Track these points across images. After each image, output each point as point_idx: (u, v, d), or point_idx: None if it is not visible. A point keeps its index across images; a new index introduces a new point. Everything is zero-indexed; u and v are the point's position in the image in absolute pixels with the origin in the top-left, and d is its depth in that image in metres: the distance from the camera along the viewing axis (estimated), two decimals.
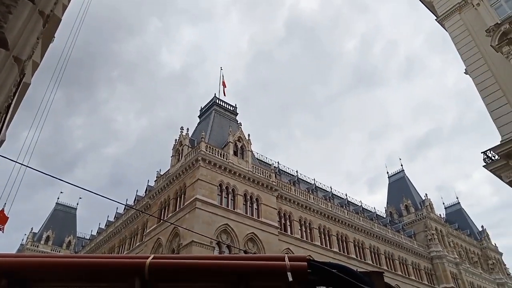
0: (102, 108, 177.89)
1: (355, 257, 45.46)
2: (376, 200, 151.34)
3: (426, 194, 65.68)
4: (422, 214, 61.39)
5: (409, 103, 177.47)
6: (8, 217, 15.38)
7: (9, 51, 1.48)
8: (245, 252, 33.27)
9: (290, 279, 2.65)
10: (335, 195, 54.61)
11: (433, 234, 58.36)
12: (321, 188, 53.62)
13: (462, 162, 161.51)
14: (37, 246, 62.23)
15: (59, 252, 63.06)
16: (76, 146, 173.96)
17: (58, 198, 72.30)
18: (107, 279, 2.82)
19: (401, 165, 74.83)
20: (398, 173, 73.79)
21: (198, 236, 28.73)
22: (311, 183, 52.57)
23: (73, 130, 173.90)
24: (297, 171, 52.49)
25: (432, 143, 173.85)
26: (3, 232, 15.47)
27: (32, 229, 65.03)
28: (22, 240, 65.57)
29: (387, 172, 75.73)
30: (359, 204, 57.71)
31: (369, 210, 59.63)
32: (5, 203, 14.29)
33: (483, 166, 17.10)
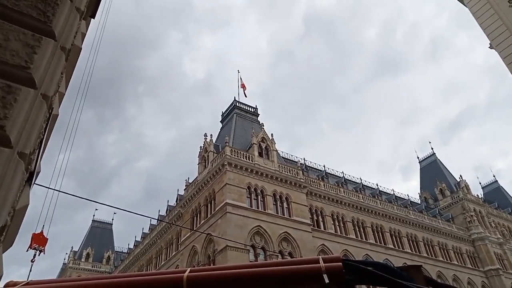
0: (131, 124, 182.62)
1: (393, 247, 44.59)
2: (410, 187, 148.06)
3: (460, 176, 63.74)
4: (458, 196, 59.59)
5: (438, 85, 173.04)
6: (47, 238, 16.04)
7: (37, 90, 1.56)
8: (280, 252, 33.24)
9: (327, 281, 2.64)
10: (366, 185, 53.78)
11: (472, 215, 56.53)
12: (350, 181, 52.94)
13: (499, 139, 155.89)
14: (79, 264, 64.36)
15: (99, 268, 65.00)
16: (110, 163, 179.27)
17: (94, 215, 74.64)
18: None
19: (432, 149, 72.96)
20: (429, 157, 71.94)
21: (232, 241, 28.93)
22: (340, 176, 52.00)
23: (106, 148, 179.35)
24: (324, 166, 52.07)
25: (466, 123, 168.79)
26: (44, 253, 16.14)
27: (72, 247, 67.37)
28: (64, 259, 68.00)
29: (418, 157, 74.03)
30: (392, 193, 56.61)
31: (403, 198, 58.35)
32: (43, 226, 14.89)
33: None
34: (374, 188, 54.51)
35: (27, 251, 15.77)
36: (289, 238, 34.80)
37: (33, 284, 2.74)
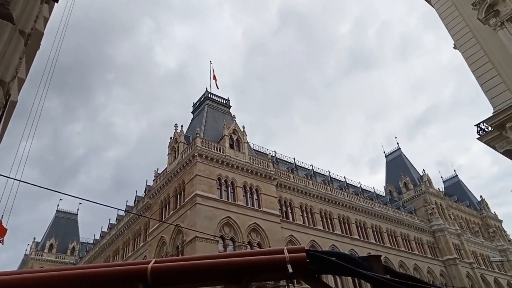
0: (100, 113, 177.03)
1: (358, 238, 45.98)
2: (377, 180, 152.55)
3: (423, 170, 66.33)
4: (421, 189, 62.04)
5: (406, 83, 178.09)
6: (6, 229, 15.43)
7: None
8: (249, 243, 33.53)
9: (290, 270, 2.71)
10: (334, 178, 54.99)
11: (433, 208, 59.08)
12: (319, 173, 53.95)
13: (461, 136, 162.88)
14: (41, 255, 62.30)
15: (63, 259, 63.21)
16: (77, 152, 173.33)
17: (58, 206, 72.26)
18: (110, 287, 2.85)
19: (397, 144, 75.60)
20: (394, 151, 74.36)
21: (200, 232, 28.88)
22: (309, 169, 52.87)
23: (72, 136, 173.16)
24: (294, 159, 52.73)
25: (431, 120, 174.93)
26: (2, 244, 15.53)
27: (34, 238, 65.07)
28: (26, 250, 65.64)
29: (384, 152, 76.33)
30: (359, 186, 58.22)
31: (369, 191, 60.18)
32: (2, 216, 14.32)
33: (477, 138, 17.28)
34: (342, 181, 55.85)
35: None
36: (258, 229, 35.15)
37: None
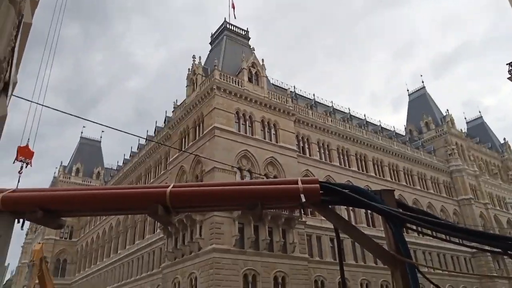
0: (120, 42, 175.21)
1: (374, 175, 46.59)
2: (399, 119, 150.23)
3: (447, 110, 64.56)
4: (442, 130, 61.01)
5: (436, 18, 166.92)
6: (33, 152, 16.34)
7: None
8: (266, 175, 34.48)
9: (303, 200, 2.80)
10: (354, 116, 54.39)
11: (453, 149, 58.49)
12: (339, 110, 53.32)
13: (490, 76, 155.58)
14: (69, 178, 66.01)
15: (90, 182, 66.97)
16: (98, 82, 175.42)
17: (82, 133, 74.83)
18: (133, 207, 3.03)
19: (422, 82, 72.84)
20: (418, 90, 72.04)
21: (220, 163, 29.73)
22: (329, 106, 52.21)
23: (93, 66, 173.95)
24: (314, 95, 51.92)
25: (460, 59, 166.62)
26: (31, 165, 16.56)
27: (61, 162, 68.49)
28: (54, 173, 69.54)
29: (407, 90, 74.08)
30: (378, 124, 57.60)
31: (388, 129, 59.63)
32: (28, 139, 15.10)
33: (508, 78, 16.48)
34: (361, 119, 55.25)
35: (13, 163, 16.09)
36: (275, 163, 35.90)
37: (19, 192, 2.83)
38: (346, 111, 54.24)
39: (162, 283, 35.04)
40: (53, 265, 61.26)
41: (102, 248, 55.08)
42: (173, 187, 2.86)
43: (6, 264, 3.03)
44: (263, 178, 33.67)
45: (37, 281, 22.12)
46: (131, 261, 45.17)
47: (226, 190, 2.92)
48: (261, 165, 34.69)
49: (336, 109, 52.71)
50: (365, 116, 56.16)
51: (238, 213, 29.98)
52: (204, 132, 34.66)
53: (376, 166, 48.07)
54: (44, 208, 2.73)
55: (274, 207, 3.24)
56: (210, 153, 32.39)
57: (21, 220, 2.87)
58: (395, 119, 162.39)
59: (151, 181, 46.37)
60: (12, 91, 1.99)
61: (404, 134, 63.64)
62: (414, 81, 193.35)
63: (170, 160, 40.66)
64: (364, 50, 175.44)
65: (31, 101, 7.57)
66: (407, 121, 68.76)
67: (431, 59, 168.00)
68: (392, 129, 60.41)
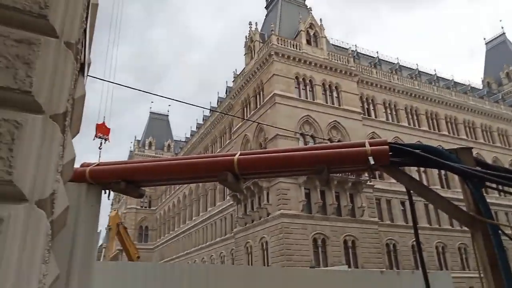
0: (179, 16, 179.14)
1: (447, 134, 43.70)
2: (476, 72, 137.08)
3: None
4: None
5: None
6: (109, 128, 17.82)
7: None
8: (330, 140, 33.97)
9: (372, 162, 2.72)
10: (422, 72, 50.66)
11: None
12: (405, 67, 49.96)
13: None
14: (143, 151, 70.99)
15: (161, 155, 71.34)
16: (162, 57, 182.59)
17: (150, 108, 79.12)
18: (204, 175, 3.19)
19: (502, 28, 65.18)
20: (497, 37, 64.75)
21: (282, 129, 29.82)
22: (394, 63, 49.11)
23: (157, 42, 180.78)
24: (377, 52, 49.06)
25: None
26: (109, 141, 18.10)
27: (135, 137, 73.64)
28: (130, 147, 75.02)
29: (484, 38, 66.97)
30: (451, 79, 53.18)
31: (462, 84, 54.83)
32: (104, 117, 16.39)
33: None
34: (431, 74, 51.32)
35: (93, 139, 17.64)
36: (339, 127, 35.11)
37: (103, 165, 3.11)
38: (414, 67, 50.66)
39: (236, 247, 36.91)
40: (136, 232, 67.46)
41: (178, 215, 59.09)
42: (240, 154, 2.94)
43: (98, 231, 3.38)
44: (326, 143, 33.22)
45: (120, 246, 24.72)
46: (205, 227, 48.00)
47: (293, 155, 2.94)
48: (324, 130, 34.15)
49: (403, 66, 49.43)
50: (435, 71, 52.08)
51: (303, 179, 30.14)
52: (265, 100, 34.73)
53: (449, 124, 44.93)
54: (126, 179, 2.98)
55: (341, 170, 3.20)
56: (272, 120, 32.52)
57: (107, 191, 3.17)
58: (471, 72, 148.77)
59: (218, 150, 48.07)
60: (88, 71, 2.13)
61: (481, 88, 58.20)
62: (493, 28, 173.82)
63: (234, 129, 41.63)
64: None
65: (104, 80, 8.13)
66: (485, 73, 62.60)
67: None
68: (467, 83, 55.46)
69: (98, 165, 3.09)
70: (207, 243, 46.55)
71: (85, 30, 1.78)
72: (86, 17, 1.72)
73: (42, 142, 1.30)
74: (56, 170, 1.43)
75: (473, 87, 55.82)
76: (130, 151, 74.27)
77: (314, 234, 30.26)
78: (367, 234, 32.10)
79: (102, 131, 18.34)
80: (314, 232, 30.25)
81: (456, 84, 52.86)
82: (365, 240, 31.78)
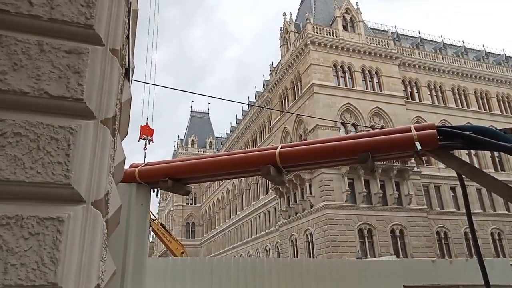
0: (214, 14, 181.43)
1: (500, 113, 41.06)
2: None
3: None
4: None
5: None
6: (153, 129, 18.45)
7: None
8: (372, 127, 33.07)
9: (419, 147, 2.62)
10: (469, 48, 47.79)
11: None
12: (451, 45, 47.34)
13: None
14: (187, 150, 72.93)
15: (204, 152, 72.92)
16: (201, 56, 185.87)
17: (191, 107, 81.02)
18: (247, 169, 3.23)
19: None
20: None
21: (321, 119, 29.41)
22: (438, 42, 46.68)
23: (195, 42, 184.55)
24: (419, 32, 46.81)
25: None
26: (153, 142, 18.75)
27: (178, 136, 75.84)
28: (174, 146, 77.41)
29: None
30: (502, 53, 49.71)
31: None
32: (147, 118, 16.99)
33: None
34: (479, 51, 48.30)
35: (138, 141, 18.34)
36: (381, 113, 34.08)
37: (150, 165, 3.24)
38: (460, 44, 47.90)
39: (280, 240, 37.09)
40: (183, 228, 69.67)
41: (222, 210, 60.26)
42: (281, 147, 2.95)
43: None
44: (369, 131, 32.36)
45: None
46: (250, 221, 48.59)
47: (335, 145, 2.90)
48: (366, 117, 33.28)
49: (447, 44, 46.89)
50: (483, 46, 48.94)
51: (346, 169, 29.62)
52: (303, 91, 34.38)
53: (501, 102, 42.20)
54: (172, 178, 3.09)
55: (387, 158, 3.12)
56: (311, 111, 32.16)
57: (155, 190, 3.30)
58: None
59: (258, 145, 48.36)
60: (132, 75, 2.22)
61: None
62: None
63: (273, 123, 41.64)
64: None
65: (145, 82, 8.40)
66: None
67: None
68: None
69: (146, 165, 3.23)
70: (252, 237, 47.13)
71: (127, 36, 1.85)
72: (128, 23, 1.79)
73: (95, 146, 1.38)
74: (109, 171, 1.51)
75: None
76: (174, 150, 76.61)
77: (360, 225, 29.71)
78: (415, 222, 31.04)
79: (146, 132, 19.05)
80: (359, 222, 29.71)
81: (508, 58, 49.35)
82: (413, 229, 30.76)
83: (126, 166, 3.27)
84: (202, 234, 69.33)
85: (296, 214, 33.90)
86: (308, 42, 33.77)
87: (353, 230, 29.39)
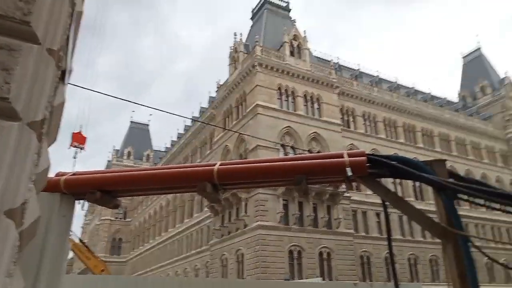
0: (167, 25, 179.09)
1: (423, 146, 44.80)
2: (452, 85, 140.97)
3: (505, 72, 59.92)
4: (499, 94, 56.92)
5: None
6: (86, 137, 17.49)
7: None
8: (309, 151, 34.27)
9: (350, 173, 2.77)
10: (401, 85, 51.95)
11: (511, 114, 54.54)
12: (385, 80, 51.14)
13: None
14: (122, 161, 69.67)
15: (140, 165, 70.26)
16: (148, 66, 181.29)
17: (131, 117, 78.13)
18: (183, 185, 3.17)
19: (478, 42, 67.67)
20: (473, 52, 67.17)
21: (263, 140, 29.92)
22: (374, 76, 50.22)
23: (143, 50, 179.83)
24: (359, 65, 50.12)
25: None
26: (84, 150, 17.74)
27: (114, 147, 72.37)
28: (108, 157, 73.62)
29: (461, 53, 69.42)
30: (428, 92, 54.74)
31: (439, 97, 56.56)
32: (81, 126, 16.11)
33: None
34: (409, 88, 52.74)
35: (68, 148, 17.26)
36: (319, 138, 35.52)
37: (79, 174, 3.05)
38: (393, 80, 51.96)
39: (211, 260, 36.48)
40: (109, 244, 65.82)
41: (153, 227, 58.05)
42: (220, 164, 2.95)
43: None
44: (306, 154, 33.50)
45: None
46: (181, 239, 47.30)
47: (272, 165, 2.96)
48: (305, 140, 34.48)
49: (383, 79, 50.63)
50: (414, 84, 53.57)
51: (282, 190, 30.22)
52: (247, 110, 34.86)
53: (425, 137, 46.15)
54: (101, 189, 2.93)
55: (320, 181, 3.25)
56: (253, 131, 32.63)
57: (81, 201, 3.10)
58: (450, 87, 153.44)
59: (198, 161, 47.75)
60: (69, 78, 2.12)
61: (457, 102, 60.13)
62: (473, 43, 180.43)
63: (215, 140, 41.51)
64: (415, 14, 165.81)
65: (83, 87, 8.00)
66: (461, 86, 64.80)
67: (492, 18, 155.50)
68: (443, 96, 57.26)
69: (74, 174, 3.04)
70: (182, 256, 45.85)
71: (68, 37, 1.77)
72: (70, 24, 1.72)
73: (16, 149, 1.28)
74: (30, 178, 1.40)
75: (449, 101, 57.69)
76: (108, 161, 72.84)
77: (290, 246, 30.23)
78: (342, 246, 32.31)
79: (78, 140, 17.91)
80: (290, 244, 30.23)
81: (433, 97, 54.43)
82: (340, 252, 31.97)
83: (52, 174, 3.05)
84: (129, 251, 65.90)
85: (229, 233, 33.67)
86: (255, 64, 34.53)
87: (284, 251, 29.80)
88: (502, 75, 60.29)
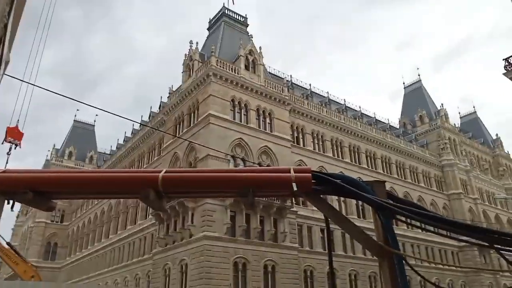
0: (121, 27, 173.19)
1: (366, 167, 46.91)
2: (395, 112, 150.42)
3: (442, 104, 65.09)
4: (436, 124, 61.42)
5: (441, 11, 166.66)
6: (23, 133, 16.26)
7: None
8: (259, 164, 34.57)
9: (295, 189, 2.81)
10: (349, 107, 54.48)
11: (445, 143, 58.98)
12: (334, 101, 53.36)
13: (489, 71, 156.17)
14: (61, 161, 65.63)
15: (82, 166, 66.65)
16: (98, 66, 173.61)
17: (75, 116, 74.18)
18: (125, 191, 3.03)
19: (419, 75, 72.96)
20: (414, 83, 72.25)
21: (214, 150, 29.71)
22: (324, 96, 52.19)
23: (94, 49, 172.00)
24: (310, 85, 51.80)
25: (463, 52, 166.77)
26: (20, 147, 16.48)
27: (54, 145, 68.05)
28: (47, 156, 69.08)
29: (403, 83, 74.28)
30: (373, 116, 57.81)
31: (383, 122, 59.92)
32: (18, 120, 14.99)
33: (503, 74, 16.54)
34: (356, 110, 55.40)
35: (2, 143, 15.97)
36: (269, 152, 35.97)
37: (9, 173, 2.81)
38: (342, 102, 54.28)
39: (153, 269, 35.26)
40: (43, 248, 61.36)
41: (93, 232, 55.11)
42: (165, 172, 2.86)
43: None
44: (255, 167, 33.73)
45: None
46: (122, 246, 45.30)
47: (219, 176, 2.93)
48: (255, 153, 34.74)
49: (332, 100, 52.76)
50: (360, 107, 56.35)
51: (230, 201, 30.09)
52: (199, 119, 34.54)
53: (369, 158, 48.40)
54: (34, 190, 2.72)
55: (266, 195, 3.26)
56: (204, 140, 32.34)
57: (11, 201, 2.85)
58: (392, 112, 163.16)
59: (144, 166, 46.31)
60: (5, 70, 1.96)
61: (398, 127, 64.00)
62: (414, 75, 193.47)
63: (164, 146, 40.56)
64: (366, 41, 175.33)
65: (22, 80, 7.45)
66: (402, 114, 69.12)
67: (433, 53, 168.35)
68: (386, 121, 60.78)
69: (4, 172, 2.80)
70: (122, 264, 43.87)
71: (6, 25, 1.64)
72: (9, 12, 1.60)
73: None
74: None
75: (392, 126, 61.27)
76: (47, 160, 68.35)
77: (236, 258, 30.07)
78: (287, 259, 32.69)
79: (14, 135, 16.62)
80: (236, 255, 30.08)
81: (377, 121, 57.55)
82: (284, 266, 32.31)
83: None
84: (65, 257, 61.85)
85: (173, 242, 32.81)
86: (210, 74, 34.45)
87: (229, 263, 29.55)
88: (438, 106, 65.32)
